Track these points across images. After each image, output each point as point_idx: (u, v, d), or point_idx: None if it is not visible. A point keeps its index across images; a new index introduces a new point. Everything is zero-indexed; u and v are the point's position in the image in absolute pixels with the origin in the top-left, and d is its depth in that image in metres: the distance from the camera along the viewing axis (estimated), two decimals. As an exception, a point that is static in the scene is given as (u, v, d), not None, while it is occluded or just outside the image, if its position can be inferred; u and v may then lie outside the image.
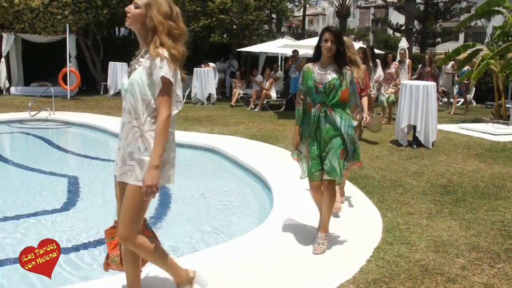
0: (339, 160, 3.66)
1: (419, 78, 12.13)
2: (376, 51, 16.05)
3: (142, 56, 2.57)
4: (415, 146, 7.74)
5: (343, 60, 3.70)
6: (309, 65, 3.80)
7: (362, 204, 4.95)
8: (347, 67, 3.72)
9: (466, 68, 12.41)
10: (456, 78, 13.43)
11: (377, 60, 10.04)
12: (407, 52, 13.27)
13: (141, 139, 2.52)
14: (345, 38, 4.51)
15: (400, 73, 10.75)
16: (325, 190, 3.77)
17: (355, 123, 3.73)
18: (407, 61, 11.32)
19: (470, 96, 15.38)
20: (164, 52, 2.45)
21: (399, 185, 5.60)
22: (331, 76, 3.65)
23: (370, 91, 4.96)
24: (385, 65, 10.16)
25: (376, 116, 8.15)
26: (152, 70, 2.47)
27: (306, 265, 3.52)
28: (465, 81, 12.95)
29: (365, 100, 4.82)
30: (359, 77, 4.64)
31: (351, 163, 3.92)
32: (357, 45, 11.28)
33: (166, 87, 2.46)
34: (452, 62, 12.89)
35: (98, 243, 4.14)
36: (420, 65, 12.83)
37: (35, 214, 4.85)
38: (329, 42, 3.63)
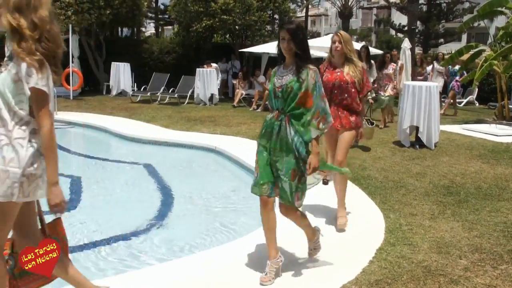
0: (290, 183, 3.16)
1: (411, 78, 12.09)
2: (377, 51, 16.07)
3: (9, 59, 2.29)
4: (417, 147, 7.72)
5: (301, 59, 3.19)
6: (277, 67, 3.41)
7: (365, 205, 4.94)
8: (310, 66, 3.21)
9: (456, 67, 12.49)
10: (446, 78, 13.48)
11: (372, 61, 9.87)
12: (407, 53, 13.23)
13: (6, 148, 2.24)
14: (342, 32, 4.40)
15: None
16: (285, 215, 3.39)
17: (314, 134, 3.18)
18: (399, 63, 11.24)
19: (472, 97, 15.37)
20: (30, 57, 2.18)
21: (402, 186, 5.58)
22: (289, 78, 3.20)
23: (369, 91, 4.73)
24: (383, 66, 10.08)
25: (368, 127, 7.82)
26: (19, 77, 2.21)
27: (308, 265, 3.51)
28: (457, 81, 12.99)
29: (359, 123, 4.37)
30: (356, 77, 4.27)
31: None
32: (358, 45, 11.27)
33: (40, 97, 2.24)
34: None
35: (104, 242, 4.19)
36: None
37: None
38: (286, 42, 3.18)
